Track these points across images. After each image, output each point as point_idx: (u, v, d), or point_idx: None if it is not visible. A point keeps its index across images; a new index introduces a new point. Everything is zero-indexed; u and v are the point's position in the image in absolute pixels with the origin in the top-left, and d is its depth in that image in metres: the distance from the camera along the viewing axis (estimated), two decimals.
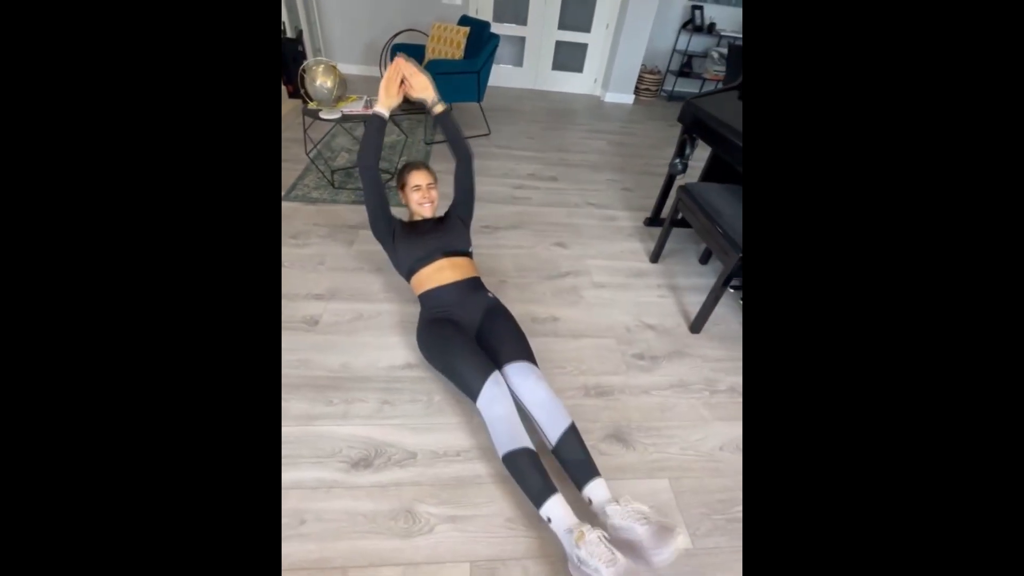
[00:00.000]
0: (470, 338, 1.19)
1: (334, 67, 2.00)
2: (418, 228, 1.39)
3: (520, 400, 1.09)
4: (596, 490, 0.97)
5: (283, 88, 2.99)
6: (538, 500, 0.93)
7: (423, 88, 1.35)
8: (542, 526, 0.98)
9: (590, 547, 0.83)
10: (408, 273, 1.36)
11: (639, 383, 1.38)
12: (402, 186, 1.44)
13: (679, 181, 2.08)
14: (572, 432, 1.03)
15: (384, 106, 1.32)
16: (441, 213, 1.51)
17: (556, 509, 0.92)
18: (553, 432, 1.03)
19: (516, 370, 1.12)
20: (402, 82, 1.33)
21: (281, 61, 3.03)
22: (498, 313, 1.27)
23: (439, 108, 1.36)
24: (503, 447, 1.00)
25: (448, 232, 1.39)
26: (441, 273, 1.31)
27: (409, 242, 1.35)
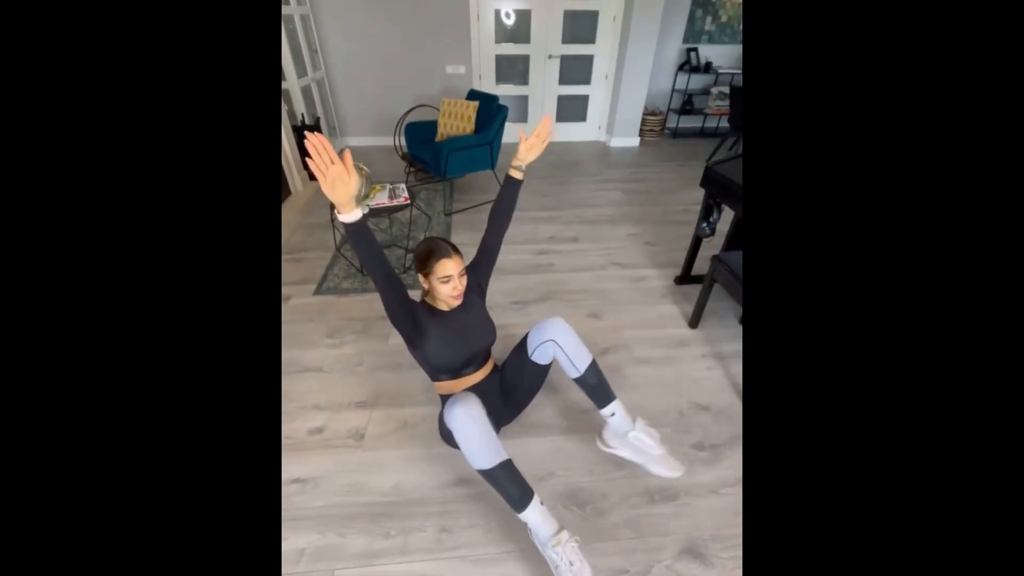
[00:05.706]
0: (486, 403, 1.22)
1: (360, 167, 2.08)
2: (448, 325, 1.24)
3: (555, 339, 1.24)
4: (615, 408, 1.26)
5: (308, 172, 3.13)
6: (520, 506, 1.04)
7: (530, 150, 1.24)
8: None
9: (566, 551, 1.00)
10: (434, 373, 1.32)
11: (704, 480, 1.30)
12: (427, 274, 1.21)
13: (707, 243, 2.06)
14: (593, 365, 1.25)
15: (347, 209, 0.95)
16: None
17: (534, 516, 1.04)
18: (581, 364, 1.24)
19: (548, 327, 1.25)
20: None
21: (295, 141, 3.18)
22: (505, 370, 1.37)
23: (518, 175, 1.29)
24: (482, 464, 1.04)
25: (478, 328, 1.29)
26: (470, 377, 1.32)
27: (440, 346, 1.24)
